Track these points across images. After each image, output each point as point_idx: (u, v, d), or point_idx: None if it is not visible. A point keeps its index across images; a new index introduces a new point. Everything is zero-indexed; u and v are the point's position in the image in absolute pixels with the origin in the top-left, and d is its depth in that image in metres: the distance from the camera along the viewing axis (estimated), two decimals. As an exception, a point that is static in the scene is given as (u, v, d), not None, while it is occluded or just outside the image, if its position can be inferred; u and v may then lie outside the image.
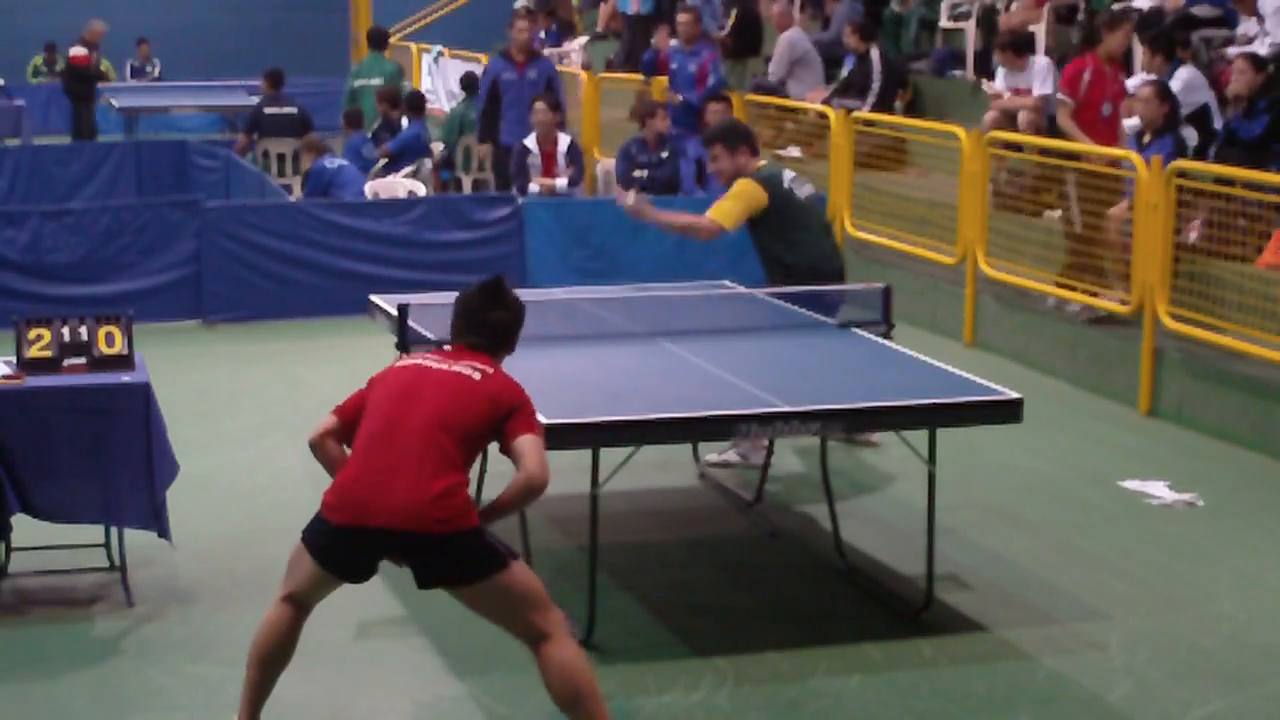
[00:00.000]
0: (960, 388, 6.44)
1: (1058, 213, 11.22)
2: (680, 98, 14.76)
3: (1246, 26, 12.54)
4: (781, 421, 5.97)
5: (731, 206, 8.19)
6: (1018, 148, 11.73)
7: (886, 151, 13.22)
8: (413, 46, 22.76)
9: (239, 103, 19.93)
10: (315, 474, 7.90)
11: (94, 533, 6.75)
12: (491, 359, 5.22)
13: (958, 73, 15.49)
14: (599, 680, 5.12)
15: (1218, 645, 6.24)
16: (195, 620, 6.38)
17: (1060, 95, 11.05)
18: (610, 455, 5.90)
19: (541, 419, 5.24)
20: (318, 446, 5.23)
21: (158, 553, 6.84)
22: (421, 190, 14.17)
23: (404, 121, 15.82)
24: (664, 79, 15.73)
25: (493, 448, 5.28)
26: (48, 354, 6.45)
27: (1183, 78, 11.24)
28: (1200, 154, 10.61)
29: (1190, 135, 10.68)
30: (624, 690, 5.68)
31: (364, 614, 6.32)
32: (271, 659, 5.11)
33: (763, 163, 8.56)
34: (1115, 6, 13.27)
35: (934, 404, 6.22)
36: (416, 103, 16.09)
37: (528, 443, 5.01)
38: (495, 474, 7.37)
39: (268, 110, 16.75)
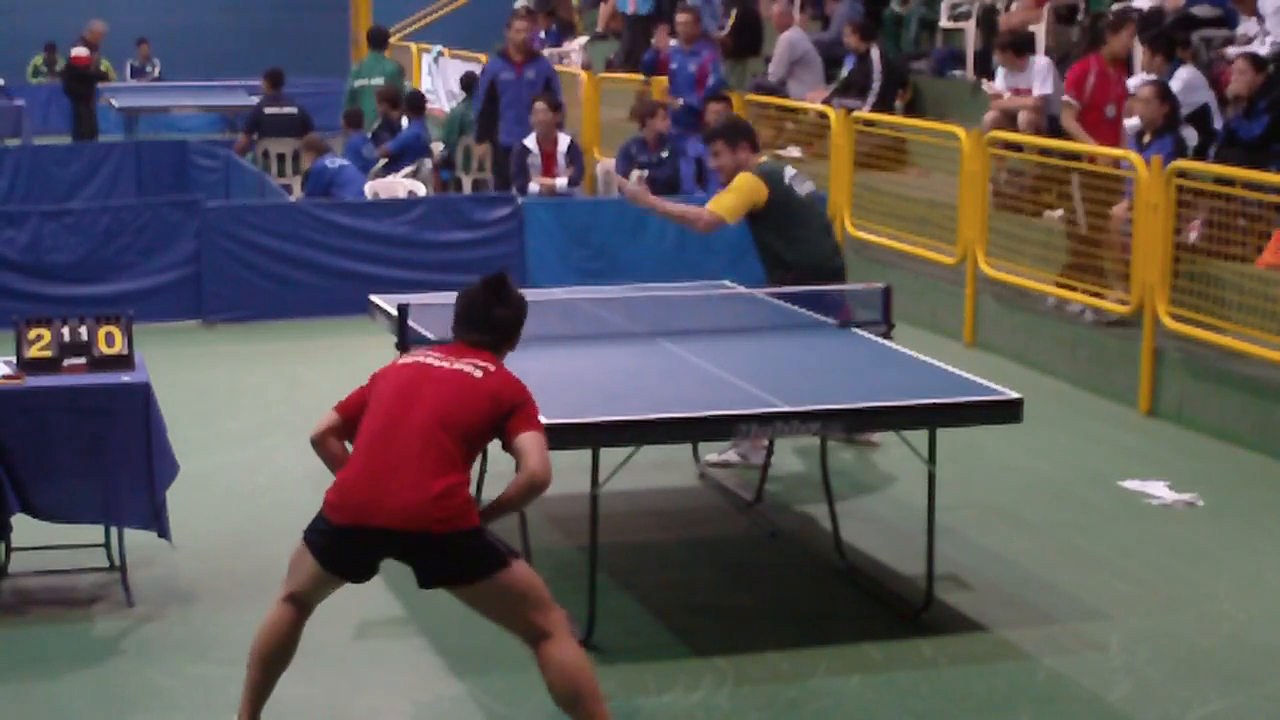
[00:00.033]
0: (960, 388, 6.44)
1: (1058, 212, 11.22)
2: (681, 101, 14.74)
3: (1246, 26, 12.54)
4: (781, 421, 5.97)
5: (731, 200, 8.20)
6: (1018, 148, 11.73)
7: (886, 151, 13.22)
8: (413, 46, 22.76)
9: (239, 103, 19.93)
10: (315, 474, 7.89)
11: (94, 533, 6.75)
12: (493, 356, 5.22)
13: (958, 73, 15.49)
14: (599, 680, 5.12)
15: (1218, 645, 6.24)
16: (195, 620, 6.38)
17: (1065, 97, 11.04)
18: (610, 455, 5.90)
19: (542, 418, 5.24)
20: (319, 443, 5.23)
21: (158, 553, 6.84)
22: (421, 190, 14.17)
23: (404, 121, 15.82)
24: (664, 79, 15.74)
25: (493, 446, 5.28)
26: (48, 354, 6.45)
27: (1183, 78, 11.23)
28: (1200, 154, 10.61)
29: (1190, 135, 10.68)
30: (624, 690, 5.68)
31: (364, 614, 6.32)
32: (273, 659, 5.11)
33: (763, 159, 8.57)
34: (1115, 7, 13.27)
35: (934, 404, 6.22)
36: (416, 103, 16.09)
37: (529, 440, 5.00)
38: (495, 474, 7.39)
39: (268, 110, 16.75)
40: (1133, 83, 11.30)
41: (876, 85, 14.17)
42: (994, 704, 5.73)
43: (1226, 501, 8.05)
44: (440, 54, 21.59)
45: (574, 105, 16.40)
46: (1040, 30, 14.19)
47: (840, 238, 11.60)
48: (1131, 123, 10.98)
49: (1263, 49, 11.74)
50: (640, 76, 16.90)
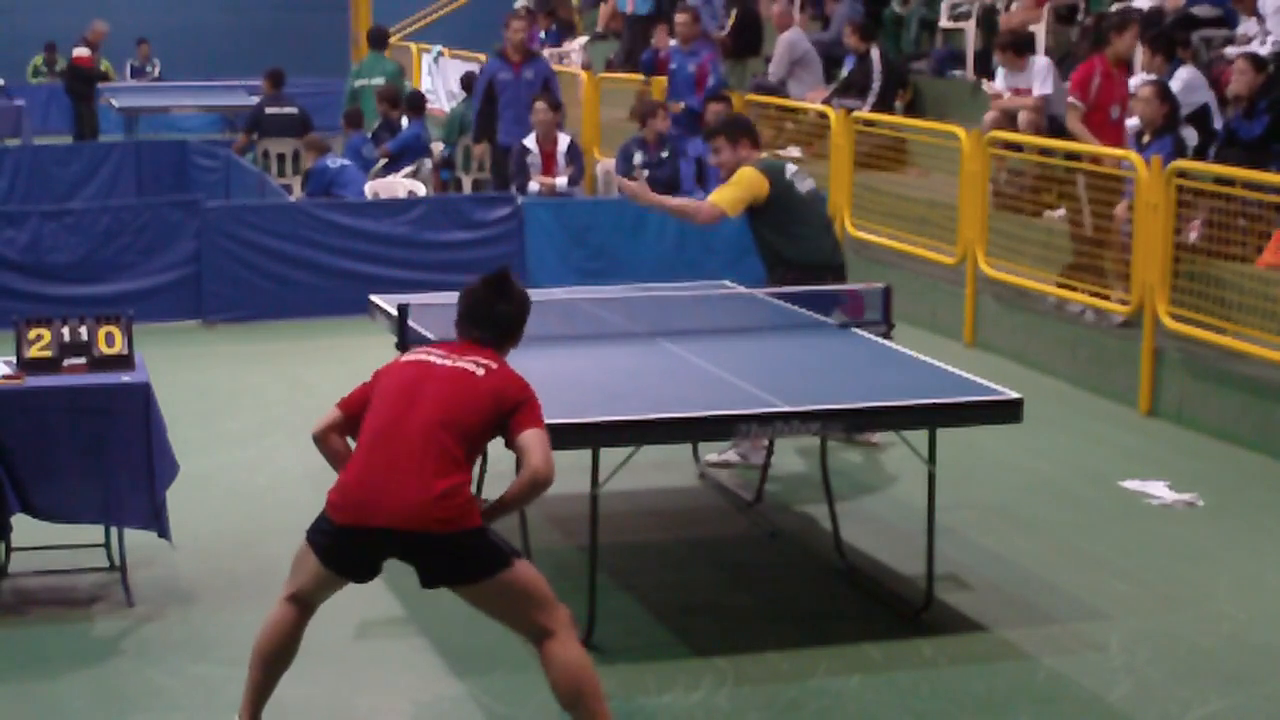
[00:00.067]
0: (960, 388, 6.44)
1: (1058, 212, 11.22)
2: (682, 105, 14.69)
3: (1246, 26, 12.54)
4: (781, 421, 5.97)
5: (732, 192, 8.21)
6: (1018, 148, 11.73)
7: (886, 151, 13.22)
8: (413, 46, 22.76)
9: (239, 103, 19.92)
10: (315, 474, 7.89)
11: (94, 533, 6.75)
12: (496, 353, 5.21)
13: (958, 73, 15.49)
14: (599, 680, 5.11)
15: (1218, 645, 6.24)
16: (195, 620, 6.38)
17: (1070, 99, 11.04)
18: (610, 455, 5.90)
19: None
20: (320, 440, 5.23)
21: (158, 553, 6.84)
22: (421, 190, 14.17)
23: (404, 121, 15.82)
24: (664, 79, 15.73)
25: (493, 446, 5.27)
26: (48, 354, 6.45)
27: (1183, 78, 11.24)
28: (1200, 154, 10.61)
29: (1190, 135, 10.68)
30: (624, 690, 5.68)
31: (364, 614, 6.32)
32: (274, 659, 5.11)
33: (764, 155, 8.58)
34: (1115, 7, 13.27)
35: (934, 404, 6.22)
36: (416, 103, 16.09)
37: (532, 437, 4.99)
38: (495, 474, 7.39)
39: (268, 110, 16.74)
40: (1133, 83, 11.30)
41: (876, 85, 14.17)
42: (994, 704, 5.73)
43: (1226, 501, 8.05)
44: (440, 54, 21.59)
45: (574, 105, 16.40)
46: (1040, 30, 14.19)
47: (840, 238, 11.60)
48: (1131, 123, 10.98)
49: (1263, 49, 11.74)
50: (640, 76, 16.90)
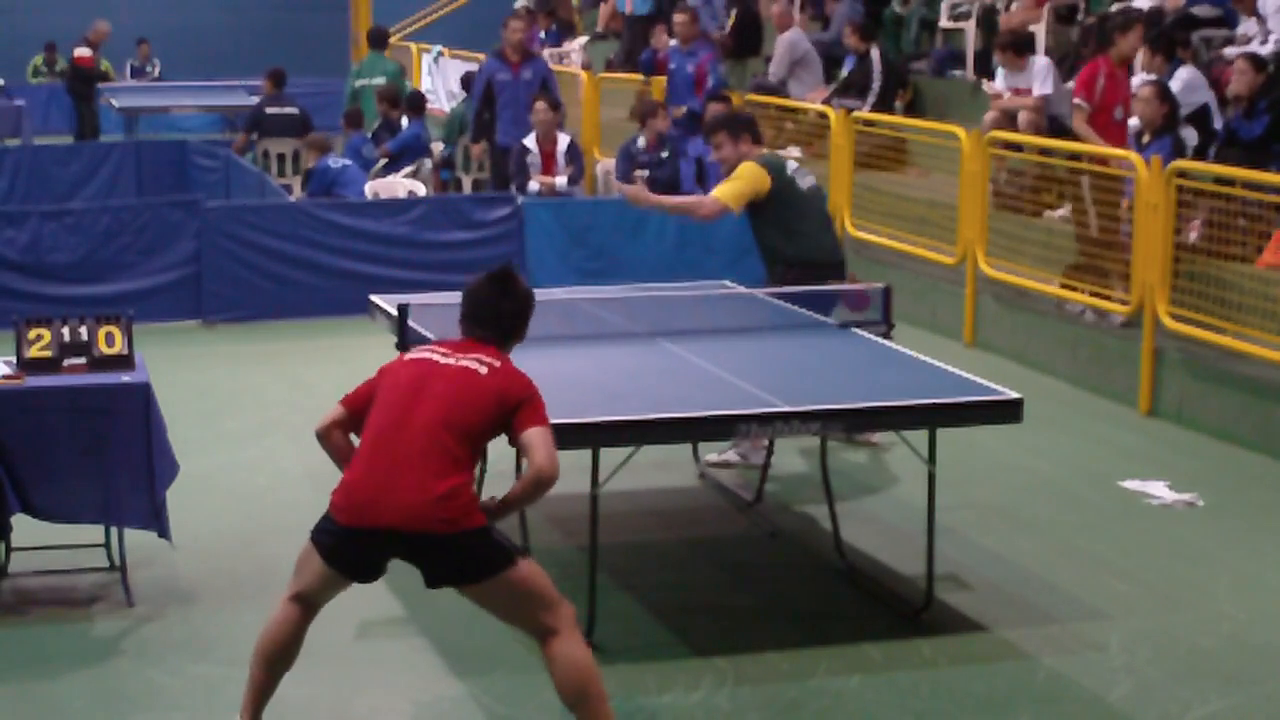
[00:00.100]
0: (960, 388, 6.44)
1: (1058, 212, 11.22)
2: (685, 110, 14.65)
3: (1246, 26, 12.54)
4: (781, 421, 5.97)
5: (734, 187, 8.22)
6: (1018, 148, 11.73)
7: (886, 151, 13.22)
8: (413, 46, 22.76)
9: (239, 103, 19.92)
10: (315, 474, 7.90)
11: (94, 533, 6.75)
12: (500, 350, 5.20)
13: (958, 73, 15.49)
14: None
15: (1218, 645, 6.24)
16: (195, 620, 6.38)
17: (1076, 100, 11.03)
18: (610, 455, 5.90)
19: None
20: (324, 436, 5.23)
21: (158, 553, 6.84)
22: (421, 190, 14.17)
23: (404, 121, 15.82)
24: (663, 79, 15.72)
25: (494, 446, 5.27)
26: (48, 354, 6.45)
27: (1183, 78, 11.24)
28: (1200, 154, 10.61)
29: (1190, 135, 10.68)
30: (624, 690, 5.68)
31: (365, 614, 6.32)
32: (277, 658, 5.11)
33: (765, 151, 8.59)
34: (1115, 7, 13.27)
35: (934, 404, 6.22)
36: (416, 103, 16.09)
37: (536, 435, 4.99)
38: (496, 474, 7.40)
39: (269, 110, 16.73)
40: (1133, 83, 11.30)
41: (876, 85, 14.18)
42: (994, 704, 5.73)
43: (1226, 501, 8.05)
44: (440, 54, 21.59)
45: (574, 105, 16.40)
46: (1040, 30, 14.19)
47: (840, 238, 11.61)
48: (1131, 123, 10.98)
49: (1263, 49, 11.74)
50: (640, 77, 16.89)
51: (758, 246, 8.49)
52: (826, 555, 7.14)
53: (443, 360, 5.12)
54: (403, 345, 6.78)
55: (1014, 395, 6.25)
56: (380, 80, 16.82)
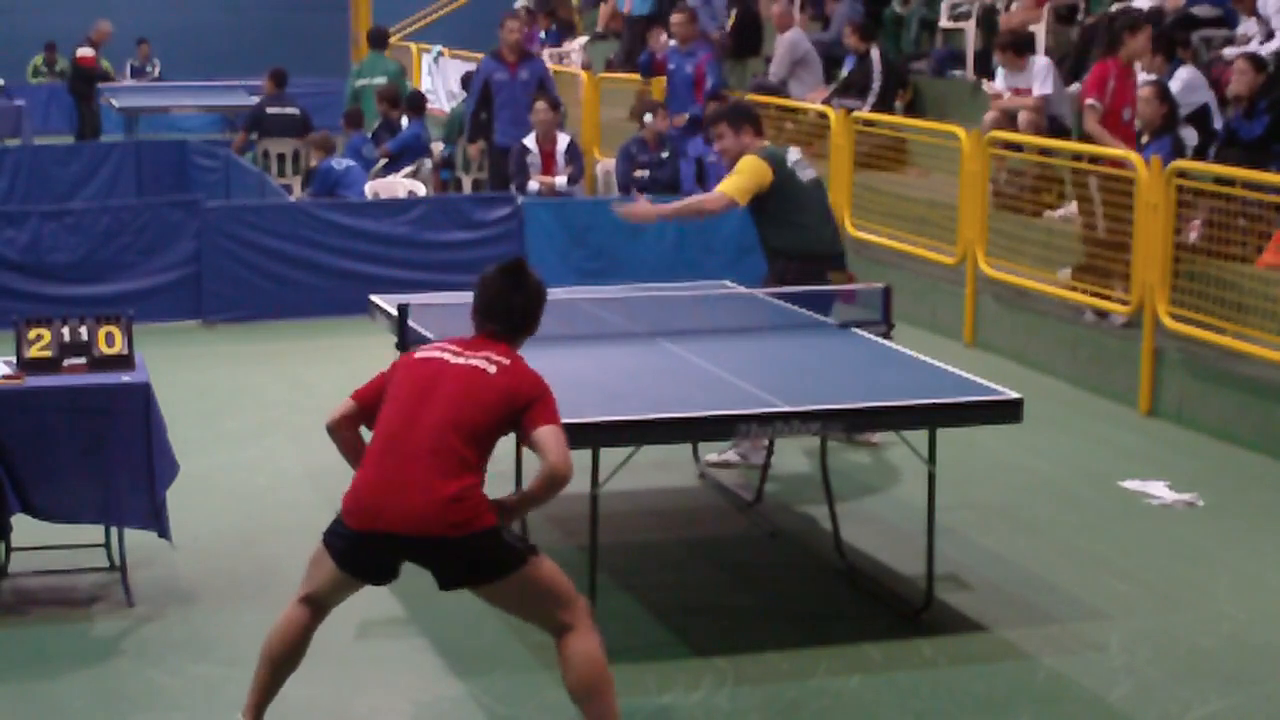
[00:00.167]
0: (960, 388, 6.44)
1: (1058, 212, 11.21)
2: (687, 116, 14.60)
3: (1246, 26, 12.54)
4: (781, 421, 5.97)
5: (739, 181, 8.22)
6: (1018, 148, 11.73)
7: (886, 151, 13.22)
8: (413, 46, 22.76)
9: (239, 103, 19.91)
10: (315, 474, 7.91)
11: (94, 533, 6.75)
12: (510, 346, 5.18)
13: (958, 73, 15.49)
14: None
15: (1218, 645, 6.24)
16: (195, 620, 6.38)
17: (1089, 100, 11.01)
18: (610, 455, 5.90)
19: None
20: (334, 431, 5.21)
21: (158, 553, 6.84)
22: (421, 190, 14.17)
23: (404, 121, 15.82)
24: (663, 79, 15.72)
25: (499, 444, 5.25)
26: (48, 354, 6.45)
27: (1183, 78, 11.24)
28: (1200, 154, 10.61)
29: (1190, 135, 10.68)
30: (624, 690, 5.65)
31: (365, 614, 6.31)
32: (283, 659, 5.10)
33: (766, 143, 8.59)
34: (1115, 7, 13.26)
35: (934, 404, 6.22)
36: (416, 103, 16.09)
37: (548, 434, 4.96)
38: (496, 474, 7.39)
39: (270, 110, 16.73)
40: (1134, 83, 11.31)
41: (876, 85, 14.18)
42: (994, 704, 5.73)
43: (1226, 501, 8.05)
44: (440, 54, 21.59)
45: (574, 105, 16.40)
46: (1040, 30, 14.19)
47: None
48: (1132, 123, 10.99)
49: (1263, 49, 11.74)
50: (639, 76, 16.88)
51: (760, 242, 8.49)
52: (826, 555, 7.14)
53: (453, 359, 5.09)
54: (403, 345, 6.78)
55: (1014, 395, 6.25)
56: (380, 80, 16.82)
